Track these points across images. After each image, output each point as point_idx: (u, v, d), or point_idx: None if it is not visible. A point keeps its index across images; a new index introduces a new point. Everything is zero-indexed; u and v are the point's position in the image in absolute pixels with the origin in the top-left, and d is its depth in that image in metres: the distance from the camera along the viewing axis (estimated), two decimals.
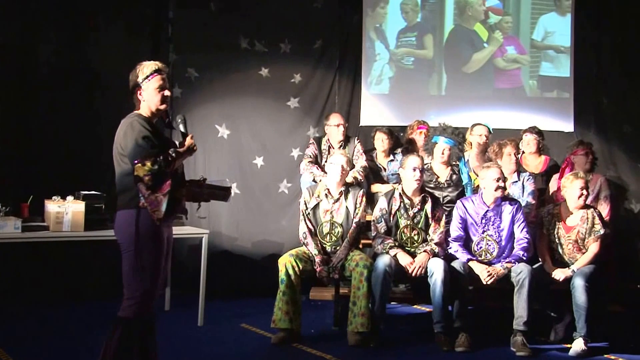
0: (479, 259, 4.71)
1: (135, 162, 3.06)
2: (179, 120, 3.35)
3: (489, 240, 4.73)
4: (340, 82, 6.55)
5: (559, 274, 4.63)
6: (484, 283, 4.58)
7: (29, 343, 4.38)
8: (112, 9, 5.96)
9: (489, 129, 5.68)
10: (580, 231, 4.73)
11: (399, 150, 5.89)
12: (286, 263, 4.66)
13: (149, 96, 3.26)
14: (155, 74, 3.27)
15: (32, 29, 5.68)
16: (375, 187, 5.64)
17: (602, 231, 4.69)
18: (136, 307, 3.15)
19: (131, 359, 3.15)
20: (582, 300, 4.48)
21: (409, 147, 5.86)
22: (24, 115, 5.61)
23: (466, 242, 4.79)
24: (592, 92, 6.33)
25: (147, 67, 3.28)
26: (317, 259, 4.74)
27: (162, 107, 3.29)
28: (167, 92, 3.30)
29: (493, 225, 4.74)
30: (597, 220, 4.71)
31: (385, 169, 5.84)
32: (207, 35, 6.25)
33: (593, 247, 4.70)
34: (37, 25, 5.70)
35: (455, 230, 4.78)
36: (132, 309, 3.15)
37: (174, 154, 3.14)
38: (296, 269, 4.65)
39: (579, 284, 4.51)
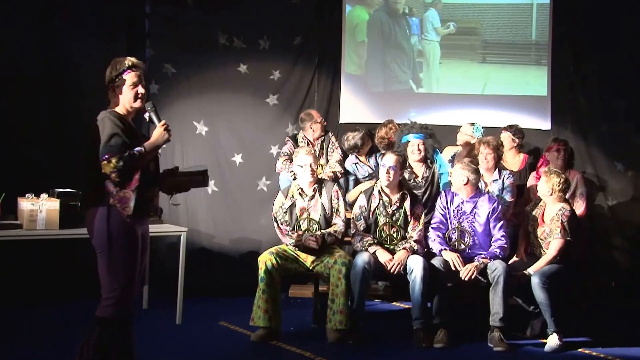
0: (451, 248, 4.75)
1: (103, 159, 3.03)
2: (149, 108, 3.26)
3: (462, 232, 4.76)
4: (319, 79, 6.54)
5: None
6: (462, 275, 4.59)
7: (3, 343, 4.31)
8: (87, 4, 5.87)
9: (476, 128, 5.69)
10: (546, 230, 4.77)
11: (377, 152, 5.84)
12: (266, 261, 4.64)
13: (123, 93, 3.21)
14: (129, 70, 3.20)
15: (4, 23, 5.58)
16: (355, 191, 5.55)
17: (558, 236, 4.67)
18: (114, 306, 3.12)
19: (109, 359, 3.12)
20: (542, 297, 4.53)
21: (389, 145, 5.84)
22: None
23: (444, 230, 4.84)
24: (569, 90, 6.39)
25: (120, 63, 3.22)
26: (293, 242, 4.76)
27: (136, 104, 3.23)
28: (141, 89, 3.23)
29: (467, 218, 4.78)
30: (558, 224, 4.68)
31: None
32: (184, 31, 6.20)
33: (551, 250, 4.70)
34: (9, 20, 5.60)
35: (437, 217, 4.85)
36: (110, 309, 3.12)
37: (143, 149, 3.10)
38: (276, 266, 4.64)
39: (535, 283, 4.55)
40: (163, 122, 3.24)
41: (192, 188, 3.41)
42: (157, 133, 3.21)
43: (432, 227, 4.83)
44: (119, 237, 3.12)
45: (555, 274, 4.61)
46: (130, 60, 3.24)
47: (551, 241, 4.69)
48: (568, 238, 4.66)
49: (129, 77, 3.20)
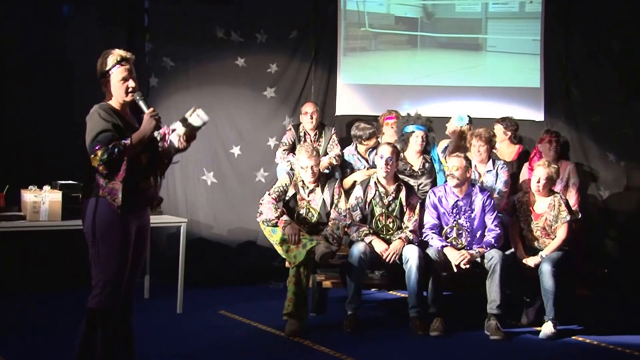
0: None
1: (91, 153, 3.06)
2: (138, 98, 3.22)
3: (460, 229, 4.84)
4: (316, 72, 6.59)
5: (530, 262, 4.77)
6: (461, 267, 4.66)
7: (5, 334, 4.36)
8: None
9: (469, 119, 5.77)
10: (548, 218, 4.86)
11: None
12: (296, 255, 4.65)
13: (114, 88, 3.21)
14: (118, 65, 3.19)
15: (5, 17, 5.61)
16: (350, 179, 5.64)
17: (568, 217, 4.83)
18: (99, 297, 3.13)
19: (94, 350, 3.14)
20: (550, 284, 4.63)
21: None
22: None
23: (439, 230, 4.88)
24: (562, 82, 6.44)
25: (110, 57, 3.20)
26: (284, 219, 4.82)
27: (127, 98, 3.22)
28: (131, 83, 3.20)
29: (464, 214, 4.84)
30: (562, 207, 4.84)
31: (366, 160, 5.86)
32: (183, 25, 6.24)
33: (560, 233, 4.84)
34: (10, 14, 5.63)
35: (429, 219, 4.87)
36: (96, 300, 3.14)
37: (129, 140, 3.08)
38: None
39: (546, 269, 4.66)
40: (151, 109, 3.19)
41: (197, 129, 3.39)
42: (144, 122, 3.17)
43: (426, 228, 4.84)
44: (104, 229, 3.14)
45: (562, 260, 4.73)
46: (119, 54, 3.21)
47: (559, 225, 4.81)
48: (575, 217, 4.85)
49: (119, 71, 3.18)
